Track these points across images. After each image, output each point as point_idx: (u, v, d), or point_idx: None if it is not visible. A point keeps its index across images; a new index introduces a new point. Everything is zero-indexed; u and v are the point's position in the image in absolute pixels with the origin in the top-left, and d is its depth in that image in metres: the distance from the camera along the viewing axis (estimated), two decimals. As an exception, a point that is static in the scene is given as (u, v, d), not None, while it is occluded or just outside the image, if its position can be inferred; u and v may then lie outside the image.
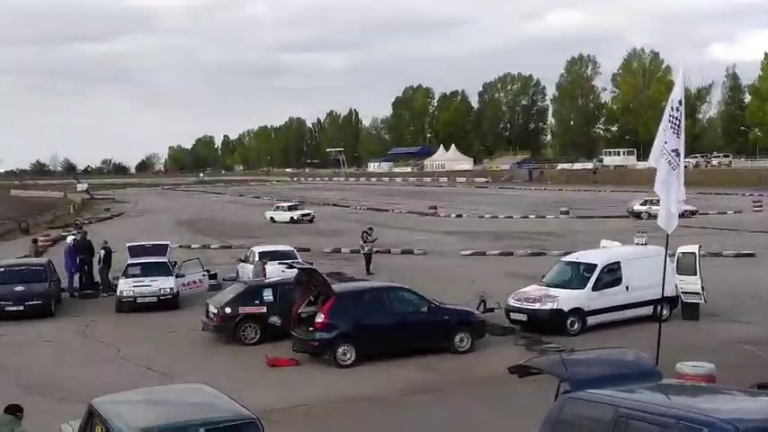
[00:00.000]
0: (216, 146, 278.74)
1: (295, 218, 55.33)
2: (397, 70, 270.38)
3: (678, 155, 14.78)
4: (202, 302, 21.38)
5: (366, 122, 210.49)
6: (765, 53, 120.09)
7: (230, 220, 59.01)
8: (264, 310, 19.80)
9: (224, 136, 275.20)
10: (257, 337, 19.63)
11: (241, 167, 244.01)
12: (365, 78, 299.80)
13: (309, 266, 20.16)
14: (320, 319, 17.49)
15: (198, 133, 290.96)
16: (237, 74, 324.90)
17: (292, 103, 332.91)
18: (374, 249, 31.13)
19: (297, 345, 18.04)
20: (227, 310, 19.73)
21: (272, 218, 56.47)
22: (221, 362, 18.14)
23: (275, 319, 19.61)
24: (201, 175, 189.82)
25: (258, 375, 17.02)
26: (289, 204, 59.54)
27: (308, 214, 56.49)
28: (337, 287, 18.78)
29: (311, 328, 17.66)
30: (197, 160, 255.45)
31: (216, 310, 19.87)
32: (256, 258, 26.82)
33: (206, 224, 55.96)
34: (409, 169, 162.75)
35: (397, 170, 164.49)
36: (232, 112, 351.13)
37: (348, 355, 17.38)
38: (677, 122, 14.80)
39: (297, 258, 26.34)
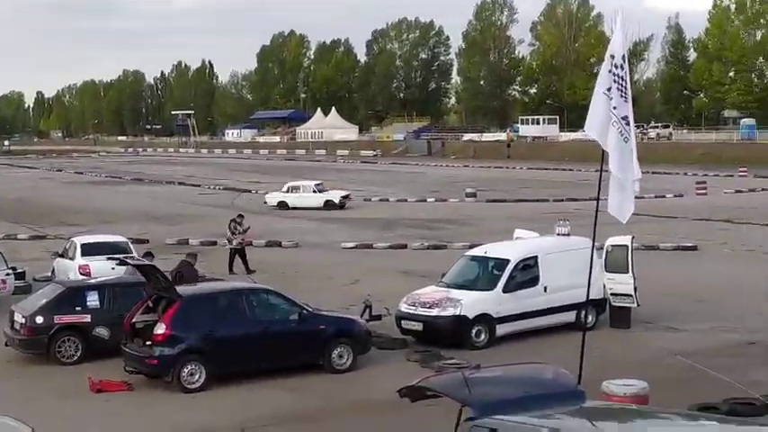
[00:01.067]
0: (27, 105, 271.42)
1: (336, 201, 51.71)
2: (263, 12, 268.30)
3: (628, 123, 15.06)
4: (5, 310, 20.83)
5: (224, 78, 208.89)
6: (714, 1, 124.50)
7: (45, 203, 57.63)
8: (88, 318, 19.46)
9: (37, 93, 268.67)
10: (78, 353, 19.28)
11: (60, 134, 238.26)
12: (223, 21, 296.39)
13: (147, 263, 19.88)
14: (161, 329, 17.27)
15: (1, 89, 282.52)
16: (55, 12, 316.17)
17: (128, 50, 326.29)
18: (245, 242, 30.89)
19: (130, 363, 17.78)
20: (39, 319, 19.29)
21: (281, 202, 52.34)
22: (30, 387, 17.72)
23: (102, 331, 19.28)
24: (6, 143, 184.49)
25: (79, 404, 16.70)
26: (316, 183, 54.67)
27: (347, 196, 53.29)
28: (183, 289, 18.58)
29: (149, 342, 17.43)
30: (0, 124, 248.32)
31: (23, 320, 19.39)
32: (78, 252, 26.29)
33: (11, 207, 54.47)
34: (278, 138, 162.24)
35: (262, 140, 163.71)
36: (48, 63, 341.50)
37: (196, 376, 17.24)
38: (623, 83, 15.07)
39: (131, 252, 25.93)
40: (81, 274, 25.01)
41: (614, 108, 14.89)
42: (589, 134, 15.41)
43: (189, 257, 23.56)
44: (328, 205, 51.26)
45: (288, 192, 52.91)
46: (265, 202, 53.23)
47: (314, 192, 52.44)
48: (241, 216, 31.80)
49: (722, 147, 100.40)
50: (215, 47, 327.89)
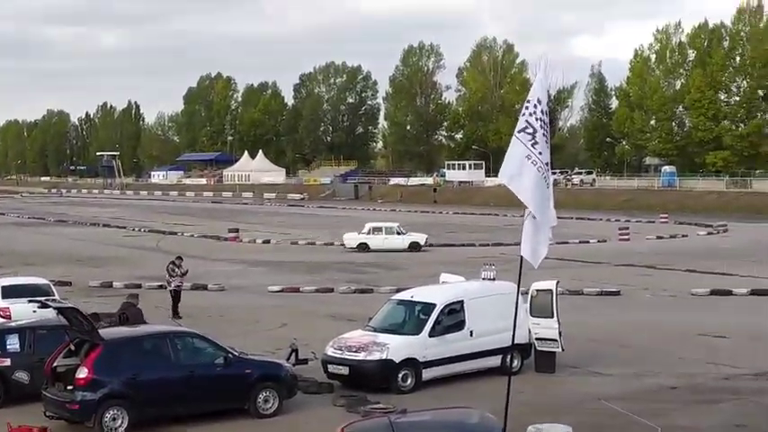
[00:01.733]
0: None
1: (421, 243, 51.53)
2: (191, 54, 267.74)
3: (548, 169, 15.19)
4: None
5: (150, 120, 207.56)
6: (635, 50, 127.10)
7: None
8: (8, 362, 19.04)
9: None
10: (-3, 398, 18.87)
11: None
12: (150, 63, 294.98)
13: (69, 305, 19.54)
14: (83, 374, 16.96)
15: None
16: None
17: (53, 91, 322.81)
18: (183, 285, 30.46)
19: (51, 408, 17.41)
20: (-45, 363, 18.83)
21: (362, 244, 51.75)
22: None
23: (22, 375, 18.89)
24: None
25: (-3, 450, 16.31)
26: (398, 226, 54.11)
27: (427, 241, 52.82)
28: (106, 333, 18.29)
29: (70, 387, 17.10)
30: None
31: (-62, 364, 18.91)
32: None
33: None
34: (204, 181, 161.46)
35: (188, 181, 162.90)
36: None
37: (119, 421, 16.93)
38: (547, 128, 15.21)
39: (53, 294, 25.50)
40: (1, 317, 24.49)
41: (540, 153, 14.98)
42: (502, 180, 15.38)
43: (130, 298, 23.25)
44: (412, 247, 51.24)
45: (369, 233, 52.30)
46: (342, 244, 52.55)
47: (397, 234, 52.38)
48: (180, 258, 31.22)
49: (644, 193, 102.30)
50: (142, 88, 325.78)
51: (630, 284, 36.47)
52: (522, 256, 15.07)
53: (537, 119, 14.99)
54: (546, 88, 15.82)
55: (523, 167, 14.92)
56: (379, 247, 51.06)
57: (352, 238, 52.57)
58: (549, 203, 15.25)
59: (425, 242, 52.25)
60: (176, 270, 30.00)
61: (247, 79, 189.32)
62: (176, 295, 29.71)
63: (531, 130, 14.92)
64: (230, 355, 18.34)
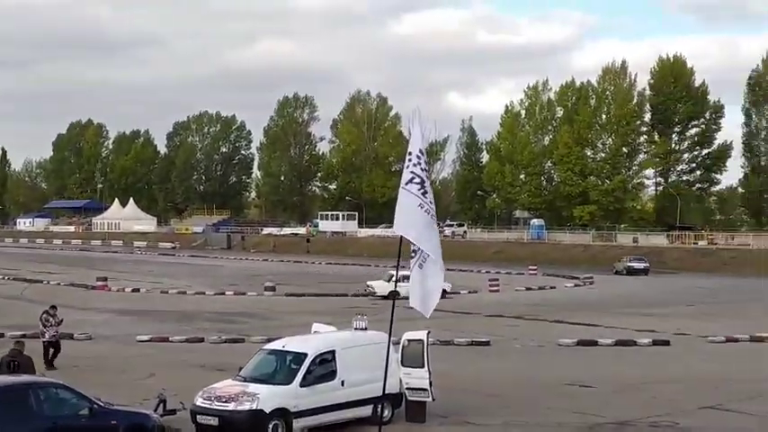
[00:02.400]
0: None
1: (447, 290, 49.11)
2: (61, 99, 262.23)
3: (433, 218, 15.32)
4: None
5: (17, 166, 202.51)
6: (506, 106, 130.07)
7: None
8: None
9: None
10: None
11: None
12: (18, 108, 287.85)
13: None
14: (-61, 426, 16.30)
15: None
16: None
17: None
18: (59, 334, 29.43)
19: None
20: None
21: (393, 292, 48.45)
22: None
23: None
24: None
25: None
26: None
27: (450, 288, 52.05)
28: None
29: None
30: None
31: None
32: None
33: None
34: (73, 228, 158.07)
35: (56, 229, 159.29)
36: None
37: (-22, 476, 16.30)
38: (429, 179, 15.38)
39: None
40: None
41: (431, 202, 15.15)
42: (397, 231, 15.44)
43: (17, 345, 22.46)
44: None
45: (402, 281, 50.50)
46: (374, 293, 51.37)
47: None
48: (54, 307, 30.00)
49: (513, 245, 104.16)
50: (10, 133, 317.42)
51: (500, 335, 36.94)
52: (393, 306, 15.21)
53: (422, 169, 15.19)
54: (423, 140, 16.06)
55: (417, 216, 15.05)
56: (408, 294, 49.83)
57: (382, 287, 51.61)
58: (439, 251, 15.42)
59: (450, 289, 51.57)
60: (50, 320, 29.02)
61: (119, 127, 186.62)
62: (49, 345, 28.73)
63: (418, 180, 15.11)
64: (95, 406, 17.84)
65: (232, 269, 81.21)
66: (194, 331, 37.10)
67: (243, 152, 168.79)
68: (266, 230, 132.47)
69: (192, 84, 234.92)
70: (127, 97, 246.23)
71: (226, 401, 19.61)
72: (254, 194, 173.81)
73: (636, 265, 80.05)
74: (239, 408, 19.41)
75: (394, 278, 50.22)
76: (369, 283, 53.94)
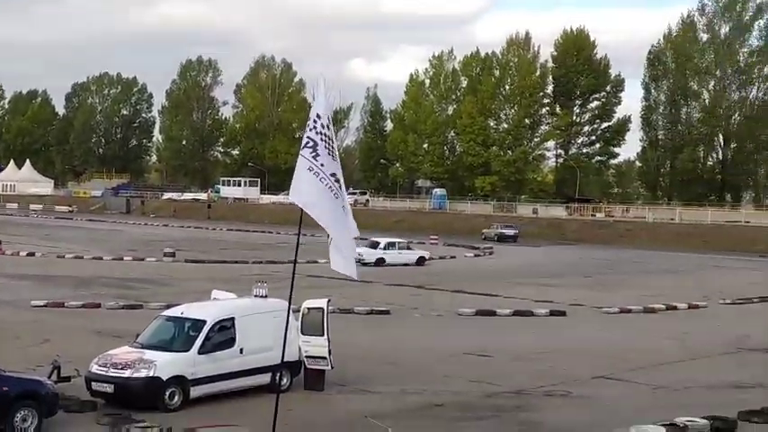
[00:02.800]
0: None
1: (426, 258, 57.28)
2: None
3: (338, 181, 15.20)
4: None
5: None
6: (410, 74, 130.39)
7: None
8: None
9: None
10: None
11: None
12: None
13: None
14: None
15: None
16: None
17: None
18: None
19: None
20: None
21: (380, 259, 54.98)
22: None
23: None
24: None
25: None
26: (408, 243, 60.90)
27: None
28: None
29: None
30: None
31: None
32: None
33: None
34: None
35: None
36: None
37: None
38: (331, 142, 15.25)
39: None
40: None
41: (322, 165, 15.02)
42: (292, 198, 15.34)
43: None
44: (419, 262, 56.18)
45: (385, 249, 55.90)
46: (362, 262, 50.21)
47: (407, 249, 57.75)
48: None
49: (415, 215, 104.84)
50: None
51: (400, 304, 37.19)
52: (294, 273, 15.12)
53: (317, 132, 15.10)
54: (326, 105, 15.96)
55: (309, 182, 14.94)
56: (394, 261, 54.92)
57: (370, 254, 54.54)
58: (345, 214, 15.26)
59: (428, 257, 57.66)
60: None
61: (16, 86, 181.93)
62: None
63: (311, 144, 15.00)
64: (-14, 372, 17.51)
65: (131, 234, 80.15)
66: (91, 297, 36.52)
67: (144, 115, 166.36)
68: (167, 195, 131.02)
69: (92, 44, 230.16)
70: (23, 55, 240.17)
71: (122, 368, 19.39)
72: (154, 158, 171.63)
73: (506, 231, 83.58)
74: (135, 375, 19.22)
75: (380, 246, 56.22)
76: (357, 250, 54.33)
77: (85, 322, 30.37)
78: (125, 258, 54.77)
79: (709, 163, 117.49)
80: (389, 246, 56.57)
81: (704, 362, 26.79)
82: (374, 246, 55.92)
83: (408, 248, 58.20)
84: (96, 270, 48.56)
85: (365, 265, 50.97)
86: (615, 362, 25.83)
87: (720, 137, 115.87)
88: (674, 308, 38.13)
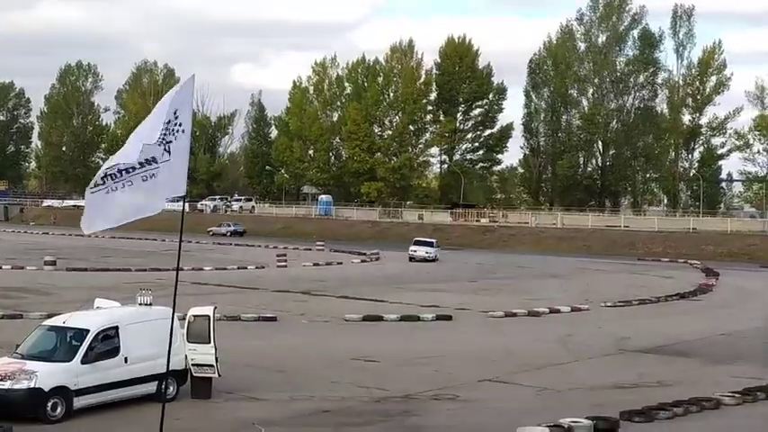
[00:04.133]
0: None
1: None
2: None
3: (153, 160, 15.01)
4: None
5: None
6: (294, 81, 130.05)
7: None
8: None
9: None
10: None
11: None
12: None
13: None
14: None
15: None
16: None
17: None
18: None
19: None
20: None
21: (410, 255, 68.12)
22: None
23: None
24: None
25: None
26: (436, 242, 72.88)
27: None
28: None
29: None
30: None
31: None
32: None
33: None
34: None
35: None
36: None
37: None
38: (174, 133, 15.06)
39: None
40: None
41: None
42: (89, 231, 15.42)
43: None
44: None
45: (416, 245, 70.19)
46: (428, 259, 67.46)
47: (434, 246, 70.77)
48: None
49: (301, 221, 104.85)
50: None
51: (287, 310, 37.08)
52: (177, 281, 14.94)
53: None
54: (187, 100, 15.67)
55: (96, 207, 14.89)
56: (422, 257, 67.36)
57: (432, 251, 68.70)
58: (153, 184, 14.96)
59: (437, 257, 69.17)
60: None
61: None
62: None
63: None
64: None
65: (10, 242, 78.18)
66: (-32, 307, 35.50)
67: (22, 121, 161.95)
68: (47, 203, 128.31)
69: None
70: None
71: (1, 380, 18.89)
72: (33, 165, 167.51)
73: (236, 228, 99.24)
74: (16, 386, 18.74)
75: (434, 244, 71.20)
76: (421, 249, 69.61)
77: (-38, 333, 29.47)
78: (3, 267, 53.33)
79: (588, 169, 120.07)
80: (417, 243, 70.63)
81: (587, 363, 27.35)
82: (431, 245, 70.33)
83: (435, 246, 70.56)
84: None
85: (430, 261, 66.81)
86: (501, 365, 26.20)
87: (599, 143, 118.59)
88: (558, 311, 38.87)
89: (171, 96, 15.38)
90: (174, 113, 15.05)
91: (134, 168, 14.67)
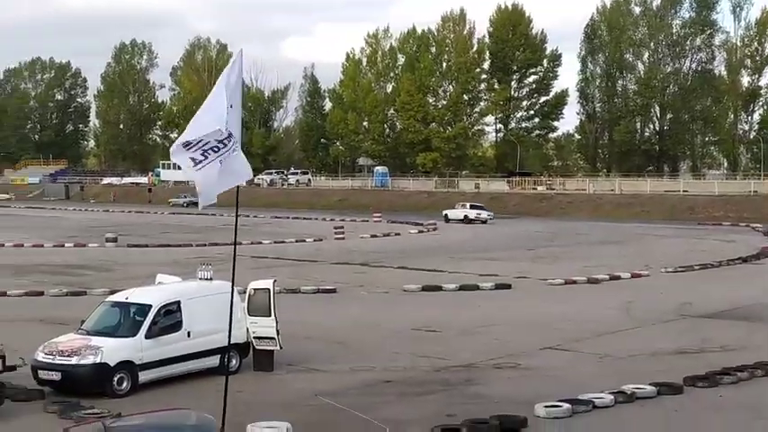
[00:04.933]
0: None
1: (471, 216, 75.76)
2: None
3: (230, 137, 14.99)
4: None
5: None
6: (347, 53, 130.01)
7: None
8: None
9: None
10: None
11: None
12: None
13: None
14: None
15: None
16: None
17: None
18: None
19: None
20: None
21: (465, 216, 75.58)
22: None
23: None
24: None
25: None
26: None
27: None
28: None
29: None
30: None
31: None
32: None
33: None
34: None
35: None
36: None
37: None
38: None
39: None
40: None
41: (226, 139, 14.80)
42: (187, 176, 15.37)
43: None
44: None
45: (468, 209, 77.58)
46: (480, 220, 75.55)
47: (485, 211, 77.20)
48: None
49: (358, 193, 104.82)
50: None
51: (346, 282, 37.16)
52: (234, 255, 15.03)
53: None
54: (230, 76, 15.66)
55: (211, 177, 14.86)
56: (475, 217, 75.34)
57: (456, 213, 76.45)
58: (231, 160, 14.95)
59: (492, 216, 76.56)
60: None
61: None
62: None
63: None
64: (-71, 364, 17.23)
65: (72, 221, 79.27)
66: (33, 285, 36.04)
67: (79, 100, 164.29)
68: (106, 180, 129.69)
69: (20, 29, 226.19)
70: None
71: (68, 356, 19.20)
72: (92, 143, 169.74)
73: None
74: (82, 362, 19.03)
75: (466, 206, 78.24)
76: (445, 211, 77.65)
77: (29, 311, 29.97)
78: (66, 245, 54.13)
79: (646, 134, 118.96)
80: (472, 207, 77.49)
81: (649, 329, 27.11)
82: (481, 208, 77.08)
83: (486, 210, 76.95)
84: (37, 257, 47.94)
85: (484, 222, 74.67)
86: (562, 333, 26.07)
87: (656, 108, 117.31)
88: (618, 278, 38.55)
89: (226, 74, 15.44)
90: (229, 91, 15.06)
91: (229, 138, 14.66)
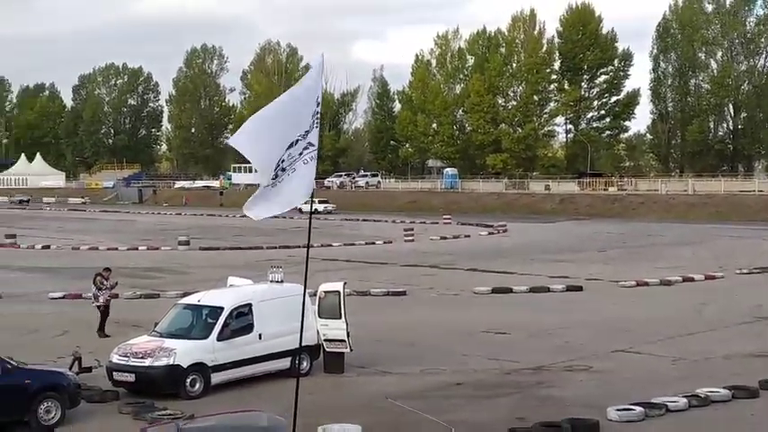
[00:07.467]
0: None
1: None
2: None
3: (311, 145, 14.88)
4: None
5: None
6: (416, 55, 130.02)
7: None
8: None
9: None
10: None
11: None
12: None
13: None
14: None
15: None
16: None
17: None
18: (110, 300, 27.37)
19: None
20: None
21: None
22: None
23: None
24: None
25: None
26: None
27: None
28: None
29: None
30: None
31: None
32: None
33: None
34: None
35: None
36: None
37: None
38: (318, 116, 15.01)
39: None
40: None
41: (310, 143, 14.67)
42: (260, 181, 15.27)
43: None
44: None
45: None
46: None
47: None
48: (108, 270, 28.00)
49: (427, 195, 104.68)
50: None
51: (416, 284, 37.15)
52: (307, 258, 15.11)
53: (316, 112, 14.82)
54: (313, 81, 15.69)
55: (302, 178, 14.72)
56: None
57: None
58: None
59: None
60: (105, 283, 27.03)
61: (22, 80, 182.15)
62: (105, 310, 26.80)
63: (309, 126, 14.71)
64: (8, 366, 17.58)
65: (145, 224, 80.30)
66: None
67: (151, 104, 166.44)
68: (178, 184, 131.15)
69: (95, 34, 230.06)
70: (27, 49, 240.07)
71: (142, 357, 19.49)
72: (164, 148, 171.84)
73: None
74: (156, 363, 19.31)
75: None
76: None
77: (103, 313, 30.39)
78: (140, 248, 54.87)
79: (719, 133, 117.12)
80: None
81: (723, 332, 26.71)
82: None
83: None
84: (111, 260, 48.60)
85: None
86: (634, 335, 25.80)
87: (730, 107, 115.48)
88: (691, 279, 38.02)
89: (312, 80, 15.48)
90: (317, 99, 15.06)
91: (300, 153, 14.53)
